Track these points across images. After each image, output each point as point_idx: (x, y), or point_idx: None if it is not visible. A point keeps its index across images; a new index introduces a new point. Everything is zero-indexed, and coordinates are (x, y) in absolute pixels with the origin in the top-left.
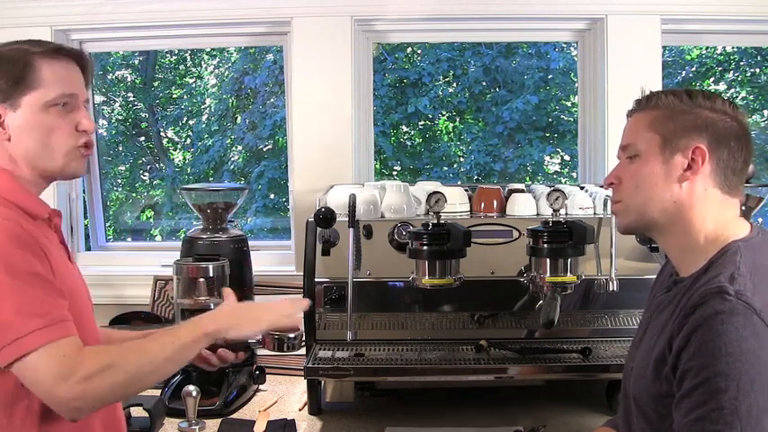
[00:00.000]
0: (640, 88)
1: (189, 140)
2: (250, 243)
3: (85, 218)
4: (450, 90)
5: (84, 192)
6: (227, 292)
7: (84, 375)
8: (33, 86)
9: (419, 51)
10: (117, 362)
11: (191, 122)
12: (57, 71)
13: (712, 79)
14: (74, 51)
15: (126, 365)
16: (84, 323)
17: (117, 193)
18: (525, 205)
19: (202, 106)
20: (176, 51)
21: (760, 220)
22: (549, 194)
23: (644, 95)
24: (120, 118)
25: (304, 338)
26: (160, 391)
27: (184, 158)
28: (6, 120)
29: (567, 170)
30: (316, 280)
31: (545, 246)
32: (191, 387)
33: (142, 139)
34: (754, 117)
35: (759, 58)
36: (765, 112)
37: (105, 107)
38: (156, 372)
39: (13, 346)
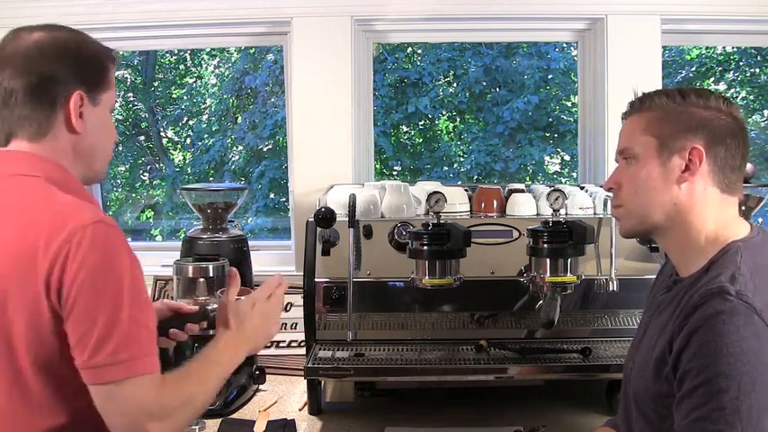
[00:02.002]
0: (633, 90)
1: (189, 140)
2: (250, 243)
3: None
4: (451, 90)
5: None
6: (232, 288)
7: (165, 411)
8: (109, 86)
9: (419, 51)
10: (191, 393)
11: (191, 122)
12: (113, 74)
13: (712, 79)
14: (117, 61)
15: (198, 397)
16: None
17: (117, 194)
18: (525, 205)
19: (203, 106)
20: (176, 51)
21: (760, 220)
22: (549, 194)
23: (637, 97)
24: (120, 118)
25: None
26: None
27: (184, 158)
28: (85, 113)
29: (567, 170)
30: (316, 280)
31: (545, 246)
32: None
33: (142, 138)
34: (754, 117)
35: (759, 58)
36: (765, 112)
37: None
38: (214, 393)
39: (109, 369)
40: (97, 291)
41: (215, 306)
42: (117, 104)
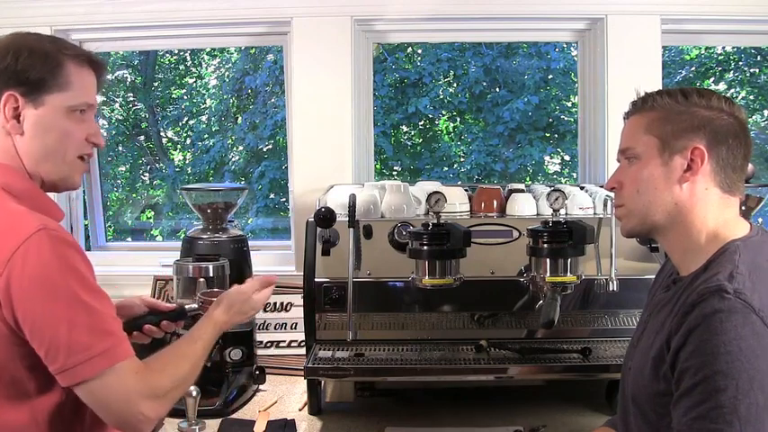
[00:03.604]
0: (635, 90)
1: (189, 141)
2: (251, 243)
3: (85, 218)
4: (451, 90)
5: (84, 192)
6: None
7: (158, 391)
8: (61, 87)
9: (419, 51)
10: (177, 371)
11: (191, 123)
12: (83, 78)
13: (712, 79)
14: (100, 63)
15: (183, 374)
16: None
17: (117, 194)
18: (525, 205)
19: (203, 106)
20: (176, 51)
21: (760, 220)
22: (549, 194)
23: (639, 97)
24: (120, 118)
25: None
26: None
27: (184, 158)
28: (24, 114)
29: (567, 170)
30: (316, 280)
31: (545, 246)
32: (191, 387)
33: (142, 138)
34: (754, 117)
35: (759, 58)
36: (765, 112)
37: (105, 107)
38: (196, 372)
39: (88, 365)
40: (49, 299)
41: (193, 306)
42: (116, 104)
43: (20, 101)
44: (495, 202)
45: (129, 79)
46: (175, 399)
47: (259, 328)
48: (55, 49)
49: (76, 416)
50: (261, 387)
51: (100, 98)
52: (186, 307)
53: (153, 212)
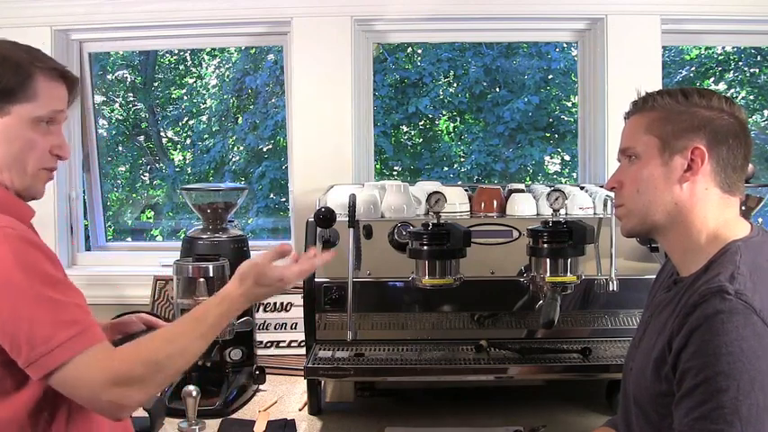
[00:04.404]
0: (636, 90)
1: (189, 141)
2: (251, 243)
3: (85, 218)
4: (451, 90)
5: (84, 192)
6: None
7: (126, 376)
8: (28, 98)
9: (419, 51)
10: (153, 355)
11: (191, 123)
12: (52, 90)
13: (712, 79)
14: (71, 77)
15: (163, 357)
16: None
17: (117, 194)
18: (525, 205)
19: (203, 106)
20: (176, 51)
21: (760, 220)
22: (549, 194)
23: (640, 97)
24: (120, 118)
25: None
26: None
27: (184, 158)
28: None
29: (567, 170)
30: (316, 280)
31: (545, 246)
32: (191, 387)
33: (142, 138)
34: (754, 117)
35: (759, 58)
36: (765, 112)
37: (105, 107)
38: (188, 354)
39: (51, 356)
40: (8, 296)
41: None
42: (116, 104)
43: None
44: (495, 202)
45: (129, 79)
46: (159, 383)
47: (259, 328)
48: (27, 60)
49: (56, 408)
50: (261, 387)
51: (100, 98)
52: None
53: (153, 212)
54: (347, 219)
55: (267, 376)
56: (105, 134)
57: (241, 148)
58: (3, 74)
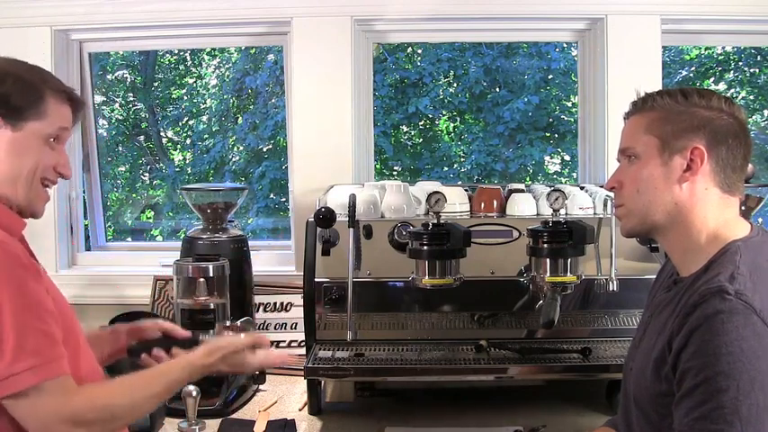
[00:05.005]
0: (635, 90)
1: (189, 141)
2: (251, 243)
3: (85, 218)
4: (451, 90)
5: (84, 192)
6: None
7: (78, 418)
8: (39, 116)
9: (419, 51)
10: (109, 403)
11: (191, 123)
12: (60, 110)
13: (712, 79)
14: (78, 99)
15: (117, 406)
16: (74, 341)
17: (117, 194)
18: (525, 205)
19: (203, 106)
20: (176, 51)
21: (760, 220)
22: (549, 194)
23: (639, 97)
24: (120, 118)
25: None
26: None
27: (184, 158)
28: (1, 135)
29: (567, 170)
30: (316, 280)
31: (545, 246)
32: (191, 387)
33: (142, 138)
34: (753, 117)
35: (759, 58)
36: (765, 112)
37: (105, 107)
38: (139, 411)
39: (8, 383)
40: None
41: (207, 339)
42: (116, 104)
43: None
44: (495, 202)
45: (129, 79)
46: (105, 429)
47: (259, 328)
48: (40, 81)
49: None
50: (261, 387)
51: (100, 98)
52: (201, 337)
53: (153, 212)
54: (347, 219)
55: (267, 376)
56: (105, 134)
57: (241, 148)
58: (19, 93)
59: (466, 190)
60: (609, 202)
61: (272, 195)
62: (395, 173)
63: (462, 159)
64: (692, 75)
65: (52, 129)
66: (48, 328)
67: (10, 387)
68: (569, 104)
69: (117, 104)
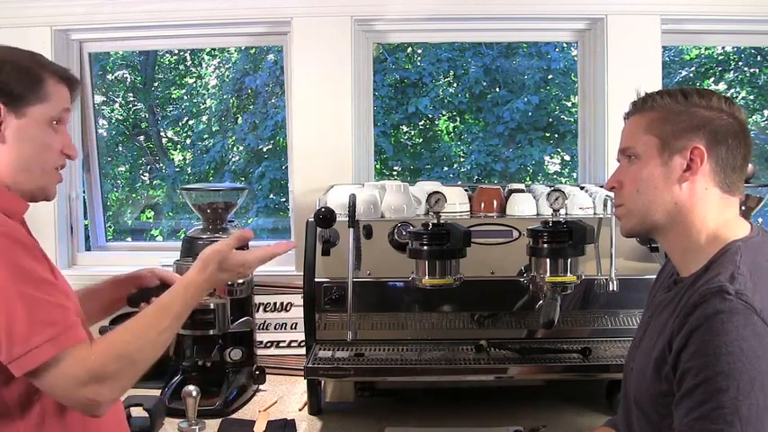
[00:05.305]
0: (635, 90)
1: (189, 141)
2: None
3: (85, 218)
4: (451, 90)
5: (84, 192)
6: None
7: (101, 374)
8: (41, 100)
9: (419, 51)
10: (124, 349)
11: (191, 123)
12: (59, 91)
13: (712, 79)
14: (73, 78)
15: (134, 350)
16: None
17: (117, 194)
18: (525, 205)
19: (203, 106)
20: (176, 51)
21: (760, 220)
22: (549, 194)
23: (639, 97)
24: (120, 118)
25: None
26: (160, 391)
27: (184, 158)
28: (5, 124)
29: (567, 170)
30: (316, 280)
31: (545, 246)
32: (191, 387)
33: (142, 138)
34: (753, 117)
35: (759, 58)
36: (765, 112)
37: (105, 107)
38: (158, 346)
39: (29, 357)
40: None
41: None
42: (116, 104)
43: (2, 110)
44: (495, 202)
45: (129, 79)
46: (131, 377)
47: (259, 328)
48: (36, 65)
49: (48, 401)
50: (261, 387)
51: (100, 98)
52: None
53: (153, 212)
54: (347, 219)
55: (267, 376)
56: (105, 134)
57: (241, 148)
58: (17, 79)
59: (466, 190)
60: (609, 202)
61: (271, 195)
62: (395, 173)
63: (462, 159)
64: (692, 75)
65: (55, 111)
66: (57, 299)
67: (30, 362)
68: (569, 104)
69: (117, 104)
